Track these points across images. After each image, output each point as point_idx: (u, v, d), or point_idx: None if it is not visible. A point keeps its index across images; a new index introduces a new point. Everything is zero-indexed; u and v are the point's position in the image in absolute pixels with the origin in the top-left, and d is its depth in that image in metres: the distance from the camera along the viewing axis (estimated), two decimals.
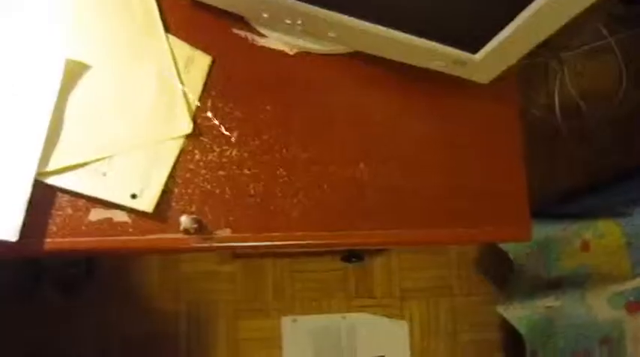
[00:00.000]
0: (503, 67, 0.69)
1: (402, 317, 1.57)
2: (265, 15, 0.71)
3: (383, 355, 1.54)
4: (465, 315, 1.61)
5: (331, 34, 0.71)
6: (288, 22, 0.71)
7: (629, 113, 1.48)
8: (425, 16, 0.65)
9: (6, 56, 0.72)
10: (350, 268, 1.54)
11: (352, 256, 0.99)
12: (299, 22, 0.70)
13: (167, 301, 1.46)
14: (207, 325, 1.47)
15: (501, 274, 1.59)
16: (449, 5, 0.62)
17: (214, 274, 1.49)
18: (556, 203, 1.38)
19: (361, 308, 1.55)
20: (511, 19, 0.58)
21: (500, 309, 1.47)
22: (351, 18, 0.66)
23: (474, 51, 0.67)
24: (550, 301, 1.30)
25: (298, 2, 0.66)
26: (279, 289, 1.53)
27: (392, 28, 0.66)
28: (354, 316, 1.54)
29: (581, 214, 1.29)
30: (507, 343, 1.60)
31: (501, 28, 0.61)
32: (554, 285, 1.32)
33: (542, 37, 0.60)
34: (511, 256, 1.49)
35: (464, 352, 1.60)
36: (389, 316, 1.56)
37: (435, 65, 0.72)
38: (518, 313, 1.42)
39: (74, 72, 0.73)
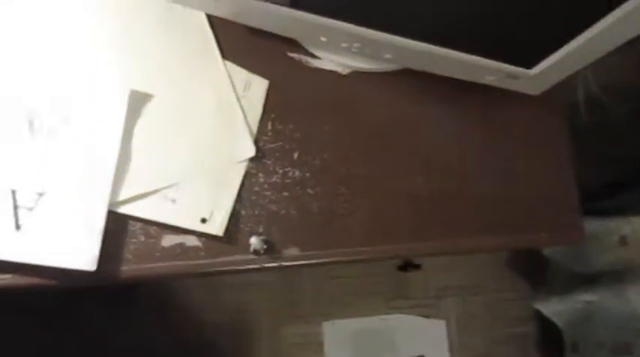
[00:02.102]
0: (557, 80, 0.72)
1: (438, 316, 1.60)
2: (323, 39, 0.73)
3: (423, 354, 1.57)
4: (501, 311, 1.64)
5: (387, 56, 0.73)
6: (345, 45, 0.73)
7: None
8: (482, 34, 0.67)
9: (72, 91, 0.74)
10: (385, 272, 1.58)
11: (408, 265, 1.02)
12: (356, 45, 0.72)
13: (208, 312, 1.49)
14: (250, 334, 1.50)
15: (534, 270, 1.61)
16: (507, 23, 0.64)
17: (254, 284, 1.52)
18: (589, 201, 1.40)
19: (398, 309, 1.58)
20: (573, 37, 0.61)
21: (538, 305, 1.50)
22: (409, 40, 0.69)
23: (530, 66, 0.69)
24: (589, 296, 1.33)
25: (358, 27, 0.68)
26: (318, 295, 1.55)
27: (449, 48, 0.69)
28: (393, 318, 1.57)
29: (616, 210, 1.31)
30: (544, 337, 1.63)
31: (561, 45, 0.63)
32: (593, 280, 1.35)
33: (603, 53, 0.63)
34: (545, 253, 1.52)
35: (501, 348, 1.62)
36: (426, 315, 1.59)
37: (487, 80, 0.74)
38: (556, 308, 1.45)
39: (137, 102, 0.75)
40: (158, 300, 1.44)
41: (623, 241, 1.28)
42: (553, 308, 1.45)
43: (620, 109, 1.47)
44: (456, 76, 0.76)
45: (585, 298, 1.34)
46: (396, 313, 1.57)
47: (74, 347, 1.35)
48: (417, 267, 1.06)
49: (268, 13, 0.70)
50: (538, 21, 0.62)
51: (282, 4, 0.68)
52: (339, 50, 0.76)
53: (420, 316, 1.59)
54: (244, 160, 0.76)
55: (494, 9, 0.62)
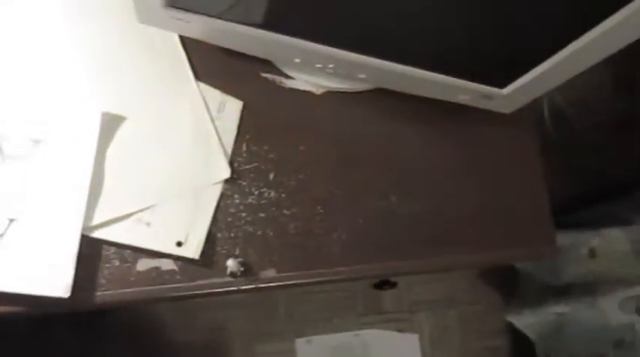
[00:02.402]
0: (529, 100, 0.73)
1: (412, 330, 1.61)
2: (297, 60, 0.73)
3: None
4: (474, 324, 1.65)
5: (361, 76, 0.74)
6: (319, 65, 0.73)
7: (613, 120, 1.52)
8: (455, 55, 0.68)
9: (43, 114, 0.73)
10: (358, 287, 1.58)
11: (384, 283, 1.03)
12: (330, 65, 0.72)
13: (181, 332, 1.47)
14: (223, 352, 1.49)
15: (506, 282, 1.63)
16: (479, 44, 0.65)
17: (226, 302, 1.51)
18: (556, 214, 1.42)
19: (372, 325, 1.58)
20: (545, 58, 0.62)
21: (511, 318, 1.51)
22: (383, 61, 0.69)
23: (502, 86, 0.70)
24: (560, 308, 1.35)
25: (331, 49, 0.68)
26: (291, 312, 1.55)
27: (423, 69, 0.69)
28: (366, 333, 1.57)
29: (584, 223, 1.33)
30: (517, 350, 1.64)
31: (533, 66, 0.64)
32: (564, 292, 1.37)
33: (573, 74, 0.64)
34: (517, 265, 1.53)
35: None
36: (399, 329, 1.60)
37: (461, 99, 0.75)
38: (528, 321, 1.46)
39: (110, 125, 0.74)
40: (130, 323, 1.42)
41: (592, 253, 1.30)
42: (525, 321, 1.47)
43: (584, 122, 1.49)
44: (429, 96, 0.76)
45: (557, 309, 1.36)
46: (370, 329, 1.57)
47: None
48: (394, 285, 1.07)
49: (241, 35, 0.70)
50: (510, 42, 0.63)
51: (254, 26, 0.68)
52: (314, 70, 0.77)
53: (394, 330, 1.59)
54: (219, 182, 0.75)
55: (466, 30, 0.63)
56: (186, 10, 0.68)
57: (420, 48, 0.68)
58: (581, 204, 1.42)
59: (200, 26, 0.71)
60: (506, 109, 0.76)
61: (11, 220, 0.69)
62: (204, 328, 1.48)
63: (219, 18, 0.69)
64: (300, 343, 1.53)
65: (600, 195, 1.41)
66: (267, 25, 0.68)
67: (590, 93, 1.53)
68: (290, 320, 1.54)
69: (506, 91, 0.70)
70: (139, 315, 1.44)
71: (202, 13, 0.69)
